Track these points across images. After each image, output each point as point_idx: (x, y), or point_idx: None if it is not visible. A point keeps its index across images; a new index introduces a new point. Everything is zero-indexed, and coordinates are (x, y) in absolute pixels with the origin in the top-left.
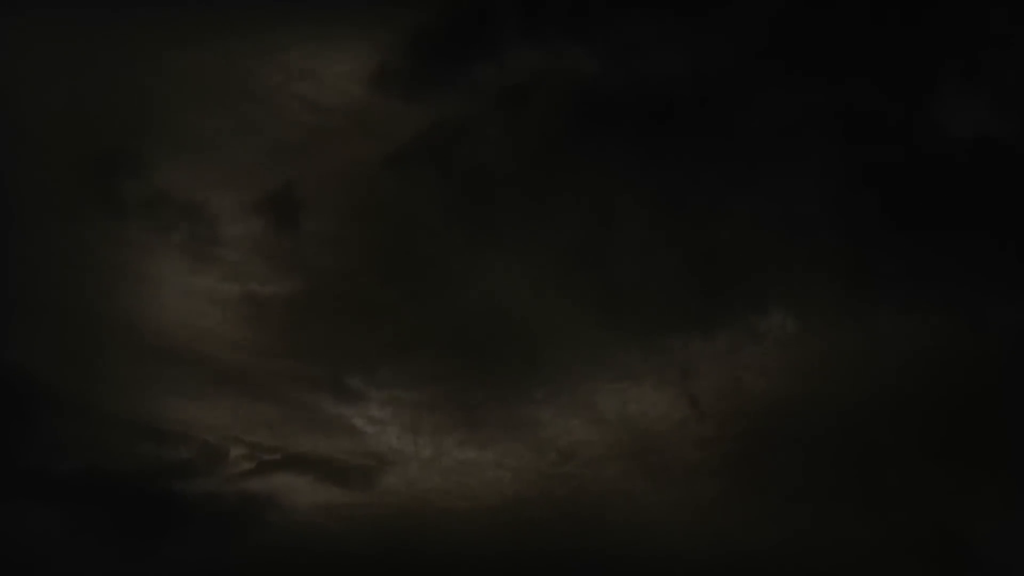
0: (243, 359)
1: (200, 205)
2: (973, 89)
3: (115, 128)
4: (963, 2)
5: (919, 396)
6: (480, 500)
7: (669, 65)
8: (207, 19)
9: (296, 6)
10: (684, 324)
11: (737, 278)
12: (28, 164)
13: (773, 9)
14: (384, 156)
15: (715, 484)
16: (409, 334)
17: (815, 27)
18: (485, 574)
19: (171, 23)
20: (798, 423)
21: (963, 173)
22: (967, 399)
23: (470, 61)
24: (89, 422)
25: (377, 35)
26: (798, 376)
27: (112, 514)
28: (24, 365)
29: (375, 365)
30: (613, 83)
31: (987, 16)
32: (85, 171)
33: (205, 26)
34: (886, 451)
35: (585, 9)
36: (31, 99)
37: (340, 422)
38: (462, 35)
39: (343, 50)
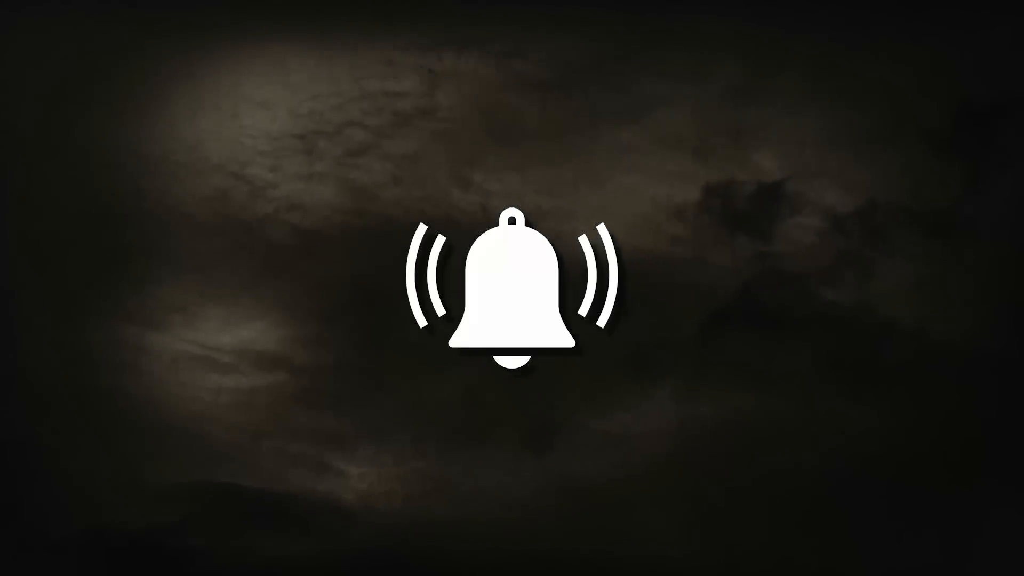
0: (233, 439)
1: (194, 315)
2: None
3: (120, 249)
4: None
5: (863, 470)
6: (451, 553)
7: None
8: (208, 162)
9: (284, 154)
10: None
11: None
12: (37, 274)
13: None
14: (360, 271)
15: (675, 541)
16: (388, 420)
17: None
18: None
19: (177, 165)
20: (751, 487)
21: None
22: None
23: None
24: (91, 489)
25: (351, 178)
26: (755, 445)
27: (110, 569)
28: (30, 441)
29: (356, 447)
30: None
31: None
32: (89, 283)
33: (206, 169)
34: (837, 515)
35: None
36: (42, 220)
37: (322, 492)
38: None
39: (327, 185)
